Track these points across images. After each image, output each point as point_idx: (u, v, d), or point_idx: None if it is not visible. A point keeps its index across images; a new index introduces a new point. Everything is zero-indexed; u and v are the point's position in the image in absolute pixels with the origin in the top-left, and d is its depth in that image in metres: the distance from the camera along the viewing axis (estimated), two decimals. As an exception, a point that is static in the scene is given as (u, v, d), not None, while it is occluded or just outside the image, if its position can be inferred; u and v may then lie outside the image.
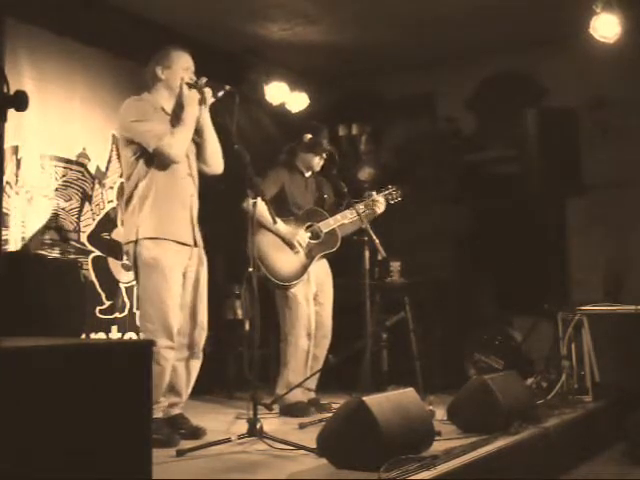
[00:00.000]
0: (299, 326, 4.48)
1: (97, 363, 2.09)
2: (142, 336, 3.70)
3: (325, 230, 4.58)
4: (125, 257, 3.69)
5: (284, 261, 4.46)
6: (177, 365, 3.66)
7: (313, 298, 4.58)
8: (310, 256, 4.54)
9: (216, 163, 3.83)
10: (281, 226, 4.42)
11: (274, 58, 6.08)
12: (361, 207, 4.50)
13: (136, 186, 3.59)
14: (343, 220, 4.57)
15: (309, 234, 4.57)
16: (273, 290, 4.52)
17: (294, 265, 4.48)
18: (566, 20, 5.08)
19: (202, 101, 3.67)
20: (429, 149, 6.54)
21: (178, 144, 3.57)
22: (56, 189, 4.92)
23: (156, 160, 3.56)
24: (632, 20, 4.97)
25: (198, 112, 3.67)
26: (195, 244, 3.70)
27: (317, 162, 4.65)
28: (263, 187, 4.29)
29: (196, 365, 3.74)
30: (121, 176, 5.14)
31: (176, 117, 3.67)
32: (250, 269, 3.65)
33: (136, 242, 3.54)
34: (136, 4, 5.18)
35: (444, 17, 5.52)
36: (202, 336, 3.74)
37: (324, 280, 4.65)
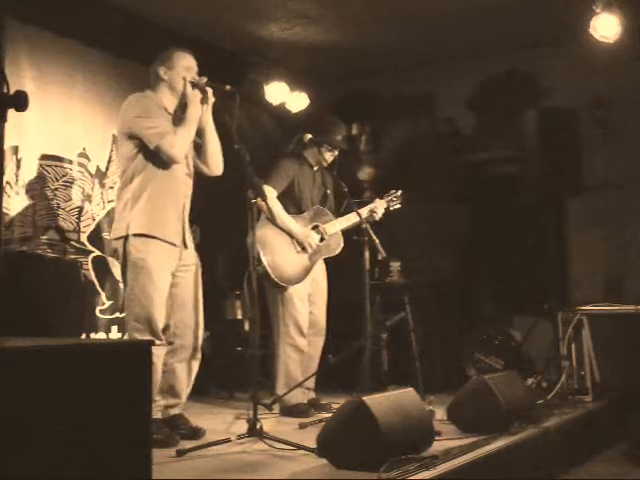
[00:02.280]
0: (294, 325, 4.46)
1: (97, 363, 2.09)
2: (127, 334, 3.69)
3: (330, 232, 4.57)
4: (113, 254, 3.67)
5: (288, 260, 4.43)
6: (177, 367, 3.66)
7: (307, 298, 4.57)
8: (314, 258, 4.52)
9: (216, 164, 3.82)
10: (292, 224, 4.41)
11: (274, 58, 6.08)
12: (365, 211, 4.50)
13: (130, 181, 3.58)
14: (348, 223, 4.56)
15: (319, 236, 4.55)
16: (268, 287, 4.49)
17: (297, 266, 4.46)
18: (566, 20, 5.08)
19: (203, 100, 3.67)
20: (429, 149, 6.54)
21: (180, 144, 3.56)
22: (56, 189, 4.92)
23: (156, 157, 3.56)
24: (632, 20, 4.97)
25: (201, 112, 3.67)
26: (185, 246, 3.69)
27: (328, 157, 4.61)
28: (274, 181, 4.30)
29: (195, 366, 3.75)
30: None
31: (178, 117, 3.67)
32: (250, 268, 3.65)
33: (125, 239, 3.53)
34: (136, 4, 5.18)
35: (444, 17, 5.52)
36: (201, 336, 3.74)
37: (319, 279, 4.63)
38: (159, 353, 3.55)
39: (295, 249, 4.48)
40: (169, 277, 3.63)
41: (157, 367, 3.53)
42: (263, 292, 4.43)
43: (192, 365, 3.72)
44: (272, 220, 4.30)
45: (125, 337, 5.14)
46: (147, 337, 3.47)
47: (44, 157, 4.84)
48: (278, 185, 4.41)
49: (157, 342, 3.51)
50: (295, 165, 4.59)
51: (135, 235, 3.52)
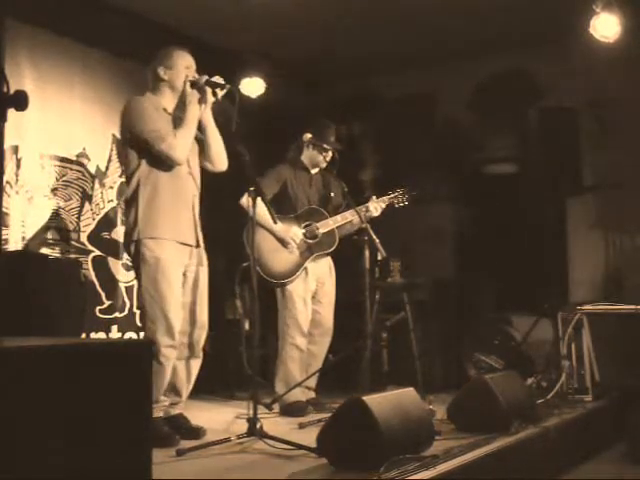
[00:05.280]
0: (293, 324, 4.48)
1: (97, 363, 2.09)
2: (144, 335, 3.69)
3: (323, 230, 4.57)
4: (126, 256, 3.69)
5: (278, 259, 4.46)
6: (177, 364, 3.66)
7: (312, 297, 4.58)
8: (305, 255, 4.53)
9: (220, 161, 3.83)
10: (274, 223, 4.42)
11: (273, 58, 6.07)
12: (363, 209, 4.50)
13: (138, 185, 3.58)
14: (343, 221, 4.56)
15: (303, 231, 4.56)
16: (273, 289, 4.52)
17: (287, 264, 4.48)
18: (566, 20, 5.07)
19: (202, 100, 3.67)
20: (429, 149, 6.54)
21: (180, 146, 3.56)
22: (56, 189, 4.92)
23: (159, 161, 3.56)
24: (632, 19, 4.97)
25: (200, 111, 3.67)
26: (197, 244, 3.70)
27: (323, 159, 4.63)
28: (264, 184, 4.31)
29: (196, 364, 3.74)
30: (121, 176, 5.15)
31: (178, 117, 3.66)
32: (244, 264, 3.67)
33: (137, 241, 3.54)
34: (136, 4, 5.18)
35: (444, 17, 5.53)
36: (202, 335, 3.74)
37: (325, 279, 4.64)
38: (169, 355, 3.54)
39: (286, 247, 4.49)
40: (181, 277, 3.63)
41: (166, 369, 3.53)
42: (264, 292, 4.44)
43: (192, 363, 3.72)
44: (259, 222, 4.31)
45: (125, 337, 5.16)
46: (163, 338, 3.48)
47: (44, 157, 4.85)
48: (268, 188, 4.41)
49: (170, 342, 3.52)
50: (288, 170, 4.63)
51: (147, 238, 3.53)
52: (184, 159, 3.61)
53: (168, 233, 3.56)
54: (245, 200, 3.95)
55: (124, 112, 3.62)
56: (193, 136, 3.66)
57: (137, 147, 3.57)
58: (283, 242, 4.47)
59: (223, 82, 3.67)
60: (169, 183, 3.60)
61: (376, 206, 4.56)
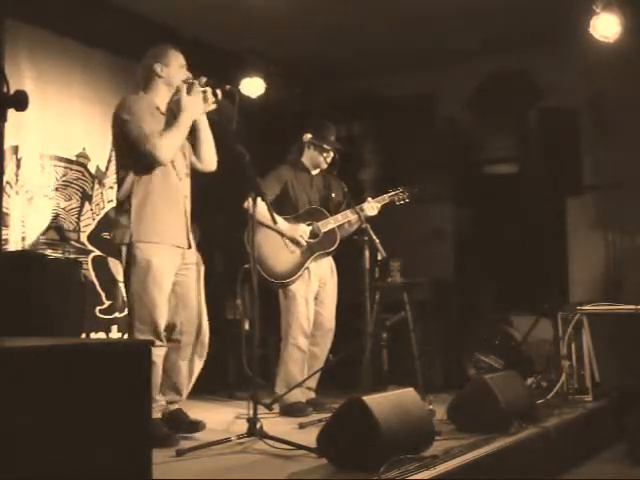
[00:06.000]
0: (296, 325, 4.48)
1: (97, 363, 2.09)
2: (130, 335, 3.68)
3: (324, 230, 4.57)
4: (117, 255, 3.66)
5: (279, 259, 4.45)
6: (181, 364, 3.67)
7: (314, 297, 4.58)
8: (306, 255, 4.53)
9: (210, 160, 3.81)
10: (282, 223, 4.42)
11: (272, 57, 6.08)
12: (358, 209, 4.50)
13: (131, 186, 3.56)
14: (343, 220, 4.56)
15: (310, 228, 4.55)
16: (276, 290, 4.52)
17: (288, 263, 4.48)
18: (566, 20, 5.08)
19: (202, 100, 3.66)
20: (429, 149, 6.54)
21: (165, 147, 3.50)
22: (56, 189, 4.92)
23: (143, 161, 3.51)
24: (632, 19, 4.98)
25: (198, 116, 3.65)
26: (189, 246, 3.70)
27: (323, 160, 4.64)
28: (265, 185, 4.30)
29: (199, 364, 3.75)
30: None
31: (171, 117, 3.63)
32: (245, 266, 3.66)
33: (130, 244, 3.52)
34: (137, 4, 5.18)
35: (444, 17, 5.52)
36: (207, 336, 3.74)
37: (327, 279, 4.64)
38: (160, 353, 3.55)
39: (287, 247, 4.48)
40: (172, 279, 3.62)
41: (157, 367, 3.53)
42: (264, 292, 4.43)
43: (195, 363, 3.73)
44: (262, 222, 4.30)
45: (125, 337, 5.15)
46: (150, 338, 3.47)
47: (44, 157, 4.85)
48: (269, 190, 4.41)
49: (158, 343, 3.51)
50: (289, 171, 4.63)
51: (139, 242, 3.52)
52: (167, 160, 3.55)
53: (161, 236, 3.55)
54: (248, 205, 3.91)
55: (116, 111, 3.59)
56: (182, 140, 3.61)
57: (127, 147, 3.56)
58: (294, 241, 4.47)
59: (223, 83, 3.66)
60: (162, 184, 3.58)
61: (372, 206, 4.56)
